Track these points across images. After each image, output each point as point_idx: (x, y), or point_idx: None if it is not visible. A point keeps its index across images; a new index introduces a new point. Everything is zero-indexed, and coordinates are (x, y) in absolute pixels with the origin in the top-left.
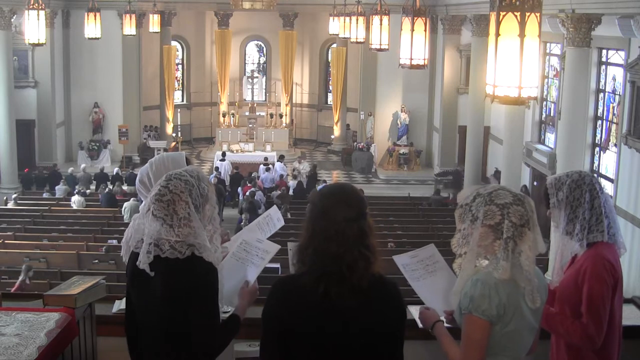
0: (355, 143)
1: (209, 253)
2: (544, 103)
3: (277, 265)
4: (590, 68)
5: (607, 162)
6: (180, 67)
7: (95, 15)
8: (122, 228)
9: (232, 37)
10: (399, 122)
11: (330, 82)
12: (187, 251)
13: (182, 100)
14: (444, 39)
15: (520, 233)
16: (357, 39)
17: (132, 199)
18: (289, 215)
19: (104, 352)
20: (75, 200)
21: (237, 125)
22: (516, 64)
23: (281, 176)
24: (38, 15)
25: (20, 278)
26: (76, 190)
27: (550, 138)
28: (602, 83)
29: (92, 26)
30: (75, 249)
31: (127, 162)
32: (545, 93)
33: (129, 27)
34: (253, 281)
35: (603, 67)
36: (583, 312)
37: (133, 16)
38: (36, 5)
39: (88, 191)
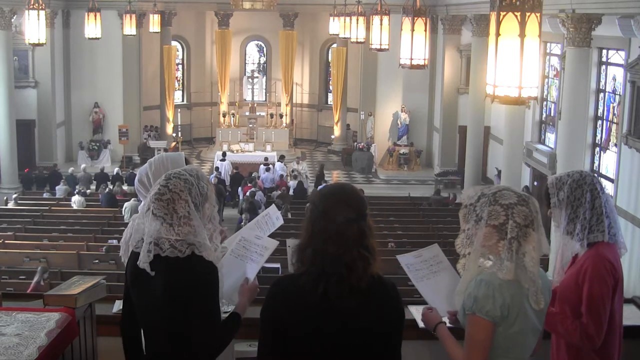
0: (355, 143)
1: (209, 252)
2: (544, 103)
3: (277, 265)
4: (590, 68)
5: (608, 162)
6: (180, 67)
7: (95, 15)
8: (123, 228)
9: (232, 37)
10: (399, 122)
11: (330, 82)
12: (187, 250)
13: (183, 100)
14: (444, 39)
15: (525, 234)
16: (357, 39)
17: (132, 199)
18: (289, 215)
19: (104, 352)
20: (76, 200)
21: (238, 125)
22: (516, 64)
23: (281, 176)
24: (38, 15)
25: (35, 279)
26: (76, 190)
27: (550, 138)
28: (602, 83)
29: (92, 26)
30: (75, 249)
31: (128, 162)
32: (545, 93)
33: (129, 27)
34: (253, 278)
35: (603, 67)
36: (583, 312)
37: (133, 16)
38: (36, 5)
39: (88, 191)
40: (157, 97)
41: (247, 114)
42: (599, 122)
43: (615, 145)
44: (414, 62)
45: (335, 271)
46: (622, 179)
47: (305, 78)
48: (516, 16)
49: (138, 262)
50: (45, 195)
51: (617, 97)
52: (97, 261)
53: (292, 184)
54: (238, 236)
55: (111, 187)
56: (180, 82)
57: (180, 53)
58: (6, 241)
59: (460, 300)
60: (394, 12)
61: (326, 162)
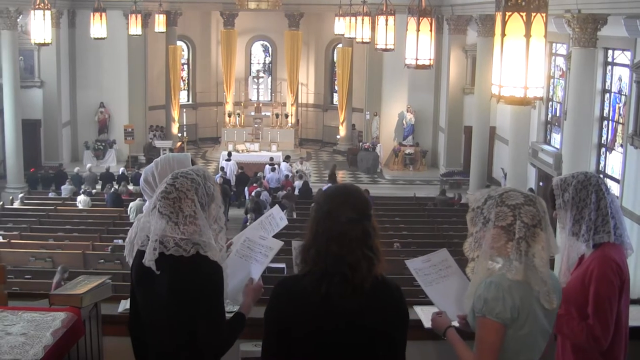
0: (360, 143)
1: (214, 252)
2: (550, 103)
3: (283, 265)
4: (596, 68)
5: (613, 163)
6: (185, 67)
7: (101, 15)
8: (128, 228)
9: (237, 37)
10: (404, 122)
11: (335, 82)
12: (192, 249)
13: (188, 100)
14: (450, 39)
15: (533, 234)
16: (362, 39)
17: (138, 198)
18: (294, 215)
19: (110, 352)
20: (81, 200)
21: (243, 125)
22: (522, 64)
23: (287, 176)
24: (44, 15)
25: (56, 279)
26: (82, 190)
27: (556, 138)
28: (608, 83)
29: (97, 26)
30: (81, 248)
31: (133, 162)
32: (551, 93)
33: (135, 27)
34: (257, 278)
35: (609, 67)
36: (590, 313)
37: (139, 16)
38: (42, 5)
39: (94, 191)
40: (162, 97)
41: (253, 114)
42: (605, 122)
43: (621, 145)
44: (420, 62)
45: (338, 271)
46: (628, 180)
47: (310, 78)
48: (522, 16)
49: (144, 261)
50: (50, 194)
51: (623, 98)
52: (102, 261)
53: (298, 184)
54: (242, 236)
55: (117, 186)
56: (186, 82)
57: (185, 53)
58: (12, 241)
59: (470, 303)
60: (399, 12)
61: (332, 162)
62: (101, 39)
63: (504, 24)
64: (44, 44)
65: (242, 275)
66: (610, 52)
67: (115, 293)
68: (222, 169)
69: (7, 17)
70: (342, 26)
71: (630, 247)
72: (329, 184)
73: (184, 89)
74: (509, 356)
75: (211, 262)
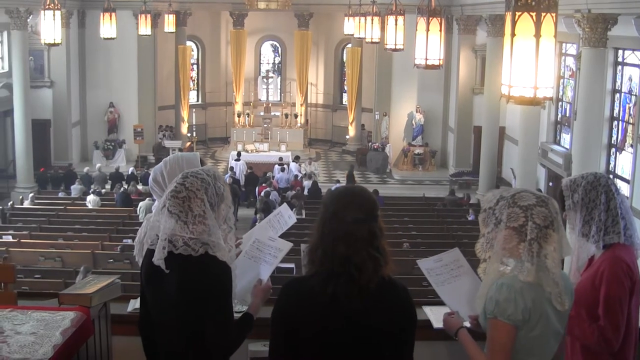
0: (370, 143)
1: (223, 252)
2: (560, 103)
3: (292, 265)
4: (606, 68)
5: (623, 163)
6: (195, 67)
7: (110, 16)
8: (137, 227)
9: (247, 37)
10: (414, 122)
11: (345, 82)
12: (201, 249)
13: (197, 100)
14: (459, 39)
15: (545, 235)
16: (372, 39)
17: (147, 198)
18: (303, 215)
19: (119, 351)
20: (91, 200)
21: (252, 125)
22: (532, 64)
23: (296, 176)
24: (54, 15)
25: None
26: (91, 190)
27: (565, 139)
28: (618, 83)
29: (107, 26)
30: (90, 248)
31: (142, 162)
32: (560, 93)
33: (144, 27)
34: (266, 279)
35: (619, 67)
36: (600, 315)
37: (148, 16)
38: (52, 5)
39: (103, 191)
40: (172, 97)
41: (262, 114)
42: (615, 122)
43: (631, 145)
44: (429, 62)
45: (344, 272)
46: (638, 180)
47: (320, 78)
48: (532, 16)
49: (153, 259)
50: (60, 194)
51: (633, 98)
52: (112, 260)
53: (307, 184)
54: (252, 237)
55: (126, 186)
56: (195, 82)
57: (195, 53)
58: (22, 240)
59: (481, 303)
60: (408, 12)
61: (341, 162)
62: (111, 39)
63: (513, 24)
64: (54, 44)
65: (251, 276)
66: (620, 52)
67: (124, 292)
68: (232, 168)
69: (17, 18)
70: (351, 26)
71: None
72: (336, 185)
73: (194, 89)
74: (520, 357)
75: (220, 262)
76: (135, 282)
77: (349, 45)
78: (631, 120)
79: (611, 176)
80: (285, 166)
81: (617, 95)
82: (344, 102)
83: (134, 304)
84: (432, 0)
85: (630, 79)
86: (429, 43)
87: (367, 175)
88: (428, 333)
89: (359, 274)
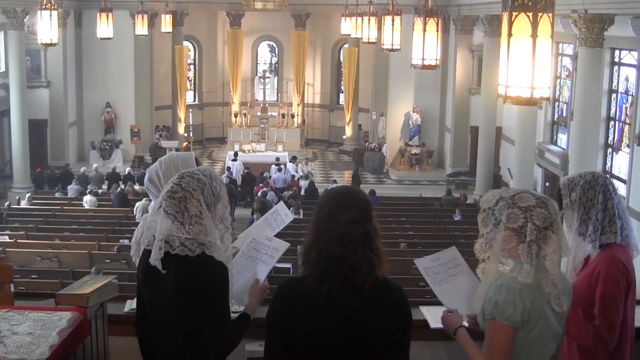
0: (367, 143)
1: (220, 252)
2: (556, 103)
3: (289, 265)
4: (602, 68)
5: (620, 163)
6: (192, 67)
7: (107, 16)
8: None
9: (244, 37)
10: (410, 122)
11: (342, 82)
12: (198, 249)
13: (194, 100)
14: (456, 39)
15: (544, 236)
16: (369, 39)
17: (144, 198)
18: (301, 215)
19: (116, 352)
20: (87, 200)
21: (249, 126)
22: (528, 64)
23: (293, 176)
24: (51, 15)
25: None
26: (88, 190)
27: (562, 139)
28: (614, 83)
29: (104, 26)
30: (87, 248)
31: (139, 162)
32: (557, 93)
33: (141, 27)
34: (263, 279)
35: (616, 67)
36: (596, 315)
37: (145, 16)
38: (49, 5)
39: (100, 191)
40: (168, 97)
41: (259, 114)
42: (611, 122)
43: (628, 146)
44: (426, 62)
45: (339, 272)
46: (635, 180)
47: (316, 78)
48: (528, 16)
49: (150, 260)
50: (57, 194)
51: (630, 98)
52: (108, 261)
53: (304, 184)
54: (249, 237)
55: (123, 186)
56: (192, 82)
57: (192, 53)
58: (18, 240)
59: (480, 304)
60: (405, 12)
61: (338, 162)
62: (108, 39)
63: (510, 24)
64: (51, 44)
65: (247, 276)
66: (617, 52)
67: (121, 293)
68: (229, 169)
69: (14, 17)
70: (348, 26)
71: (636, 249)
72: (332, 185)
73: (190, 89)
74: (519, 358)
75: (216, 263)
76: (132, 283)
77: (346, 46)
78: (628, 121)
79: (608, 176)
80: (282, 166)
81: (614, 95)
82: (340, 102)
83: (131, 304)
84: (429, 1)
85: (626, 79)
86: (426, 43)
87: (364, 176)
88: (427, 333)
89: (354, 274)
